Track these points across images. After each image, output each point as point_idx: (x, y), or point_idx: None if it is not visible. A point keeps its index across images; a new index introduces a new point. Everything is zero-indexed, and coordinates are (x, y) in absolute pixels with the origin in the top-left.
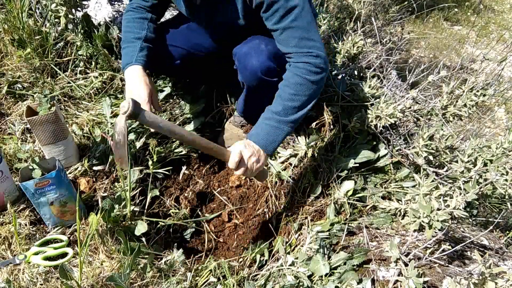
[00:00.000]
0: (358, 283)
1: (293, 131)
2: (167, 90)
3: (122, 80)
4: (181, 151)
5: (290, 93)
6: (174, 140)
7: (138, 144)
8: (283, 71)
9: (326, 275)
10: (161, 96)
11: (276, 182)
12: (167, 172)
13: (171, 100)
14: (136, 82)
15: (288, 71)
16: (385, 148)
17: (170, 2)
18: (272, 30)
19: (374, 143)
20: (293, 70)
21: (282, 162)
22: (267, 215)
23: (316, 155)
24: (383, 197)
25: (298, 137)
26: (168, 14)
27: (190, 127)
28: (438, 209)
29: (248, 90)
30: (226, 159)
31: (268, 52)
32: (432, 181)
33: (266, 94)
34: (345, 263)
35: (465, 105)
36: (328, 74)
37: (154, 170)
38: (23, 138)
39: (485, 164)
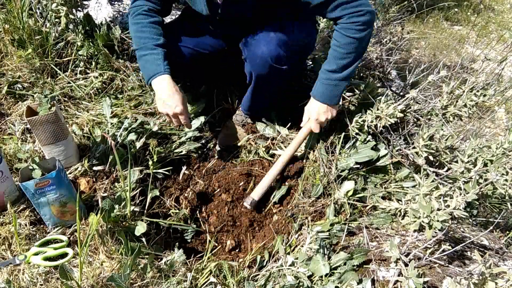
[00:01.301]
0: (358, 283)
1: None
2: None
3: (122, 80)
4: (181, 151)
5: (343, 53)
6: (174, 140)
7: (138, 144)
8: (292, 58)
9: (326, 275)
10: None
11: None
12: (167, 172)
13: None
14: (170, 92)
15: (337, 31)
16: (385, 148)
17: (173, 3)
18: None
19: (374, 143)
20: (342, 31)
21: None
22: (266, 215)
23: (316, 155)
24: (383, 197)
25: None
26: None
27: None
28: (438, 209)
29: (257, 81)
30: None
31: (277, 39)
32: (432, 181)
33: (274, 84)
34: (345, 263)
35: (465, 105)
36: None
37: (154, 170)
38: (23, 138)
39: (485, 164)
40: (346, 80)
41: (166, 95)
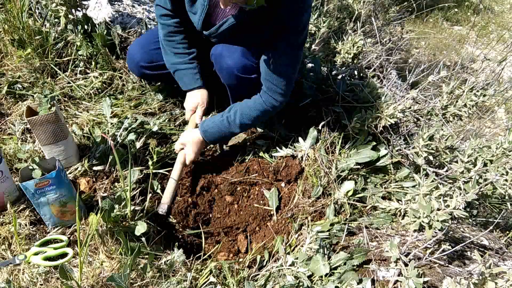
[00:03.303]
0: (358, 283)
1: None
2: (167, 90)
3: (122, 80)
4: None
5: (252, 116)
6: (174, 140)
7: (138, 144)
8: (259, 66)
9: (326, 275)
10: (160, 96)
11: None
12: (166, 172)
13: (171, 100)
14: (196, 100)
15: (261, 96)
16: (385, 148)
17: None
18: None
19: (374, 143)
20: (263, 98)
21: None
22: (267, 215)
23: (316, 155)
24: (383, 197)
25: (299, 137)
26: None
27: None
28: (438, 209)
29: (230, 90)
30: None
31: (241, 50)
32: (432, 181)
33: (249, 90)
34: (345, 263)
35: (465, 105)
36: (328, 74)
37: (154, 170)
38: (23, 138)
39: (485, 164)
40: (235, 133)
41: (196, 101)
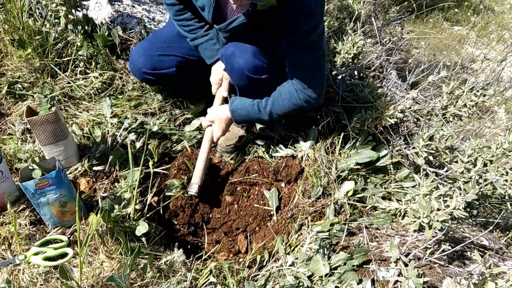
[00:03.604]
0: (358, 283)
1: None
2: (167, 90)
3: (122, 80)
4: (180, 149)
5: (283, 104)
6: (173, 140)
7: (138, 144)
8: (270, 66)
9: (326, 275)
10: (160, 96)
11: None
12: (166, 172)
13: (171, 100)
14: (221, 73)
15: (291, 85)
16: (385, 149)
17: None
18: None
19: (374, 143)
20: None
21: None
22: (267, 215)
23: (316, 155)
24: (383, 198)
25: (299, 137)
26: (158, 15)
27: (190, 127)
28: (438, 209)
29: (240, 91)
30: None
31: (252, 50)
32: (432, 181)
33: (258, 91)
34: (345, 263)
35: (465, 105)
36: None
37: (154, 170)
38: (23, 138)
39: (485, 165)
40: (267, 119)
41: (214, 74)
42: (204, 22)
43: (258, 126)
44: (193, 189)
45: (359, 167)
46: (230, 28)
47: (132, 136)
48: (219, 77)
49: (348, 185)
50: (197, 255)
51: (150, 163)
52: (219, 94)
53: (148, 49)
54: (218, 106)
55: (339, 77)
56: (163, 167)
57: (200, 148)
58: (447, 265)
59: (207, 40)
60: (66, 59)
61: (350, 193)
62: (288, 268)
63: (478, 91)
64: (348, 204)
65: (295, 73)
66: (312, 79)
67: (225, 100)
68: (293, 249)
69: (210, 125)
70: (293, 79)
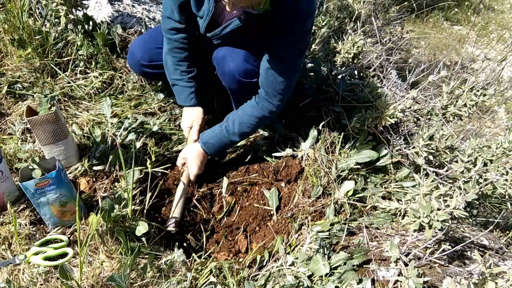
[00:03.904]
0: (358, 283)
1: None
2: (167, 90)
3: (122, 80)
4: (180, 149)
5: (250, 123)
6: (173, 139)
7: (138, 144)
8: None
9: (326, 275)
10: (161, 96)
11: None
12: (166, 171)
13: (171, 100)
14: (192, 117)
15: (255, 101)
16: (385, 148)
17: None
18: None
19: (374, 143)
20: (260, 105)
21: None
22: (267, 215)
23: (316, 155)
24: (383, 197)
25: (299, 137)
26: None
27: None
28: (438, 209)
29: (232, 94)
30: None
31: (243, 54)
32: (432, 181)
33: (250, 94)
34: (345, 263)
35: (465, 105)
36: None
37: (152, 170)
38: (23, 138)
39: (485, 164)
40: (235, 143)
41: (191, 118)
42: (193, 67)
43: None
44: (171, 223)
45: (359, 166)
46: (224, 33)
47: (132, 136)
48: (189, 122)
49: (348, 185)
50: (197, 255)
51: (148, 163)
52: (190, 137)
53: (147, 42)
54: (190, 144)
55: (339, 76)
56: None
57: (178, 187)
58: (447, 264)
59: (187, 87)
60: (66, 58)
61: (350, 193)
62: (288, 268)
63: (478, 90)
64: (348, 203)
65: (270, 81)
66: (284, 89)
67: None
68: (293, 249)
69: (185, 164)
70: (264, 87)
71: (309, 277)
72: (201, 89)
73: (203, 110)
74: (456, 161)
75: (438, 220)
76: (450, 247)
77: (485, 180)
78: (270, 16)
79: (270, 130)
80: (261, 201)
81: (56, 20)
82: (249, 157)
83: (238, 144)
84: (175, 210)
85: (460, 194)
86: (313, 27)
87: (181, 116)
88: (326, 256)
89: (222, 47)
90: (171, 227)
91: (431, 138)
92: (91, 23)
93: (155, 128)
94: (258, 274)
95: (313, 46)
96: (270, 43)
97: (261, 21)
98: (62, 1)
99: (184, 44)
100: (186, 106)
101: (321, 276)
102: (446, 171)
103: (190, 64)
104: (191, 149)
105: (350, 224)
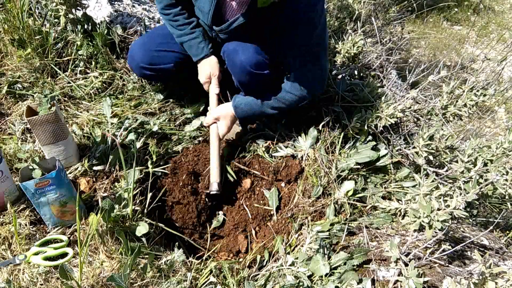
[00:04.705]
0: (358, 283)
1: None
2: (167, 90)
3: (122, 80)
4: (179, 149)
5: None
6: (173, 139)
7: (138, 144)
8: (271, 62)
9: (326, 275)
10: (161, 96)
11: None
12: (166, 171)
13: (171, 100)
14: (208, 70)
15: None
16: (385, 148)
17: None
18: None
19: (374, 143)
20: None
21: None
22: (267, 215)
23: (316, 155)
24: (383, 197)
25: (299, 137)
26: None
27: (190, 127)
28: (438, 209)
29: (242, 87)
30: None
31: (254, 46)
32: (432, 181)
33: (261, 86)
34: (345, 263)
35: (465, 105)
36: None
37: (153, 170)
38: (23, 138)
39: (485, 164)
40: (270, 114)
41: (210, 69)
42: (193, 17)
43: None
44: (214, 187)
45: (359, 166)
46: (231, 28)
47: (132, 136)
48: (206, 75)
49: (348, 185)
50: (197, 255)
51: (149, 163)
52: (212, 92)
53: (147, 44)
54: (219, 104)
55: (339, 76)
56: (163, 167)
57: (210, 147)
58: (447, 264)
59: (193, 38)
60: (66, 58)
61: (350, 193)
62: (288, 268)
63: (478, 90)
64: (348, 203)
65: (298, 69)
66: (315, 72)
67: (219, 97)
68: (293, 249)
69: (214, 123)
70: (296, 74)
71: (309, 277)
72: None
73: (216, 59)
74: (456, 161)
75: (438, 220)
76: (450, 247)
77: (485, 180)
78: (278, 8)
79: (270, 130)
80: (261, 201)
81: (56, 20)
82: (249, 157)
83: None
84: (215, 173)
85: (460, 194)
86: None
87: (181, 115)
88: (326, 256)
89: (231, 42)
90: (214, 190)
91: (431, 138)
92: (90, 23)
93: (155, 128)
94: (258, 274)
95: None
96: (287, 38)
97: (269, 14)
98: (62, 1)
99: (173, 1)
100: (201, 60)
101: (321, 276)
102: (446, 171)
103: (187, 15)
104: (223, 109)
105: (350, 224)
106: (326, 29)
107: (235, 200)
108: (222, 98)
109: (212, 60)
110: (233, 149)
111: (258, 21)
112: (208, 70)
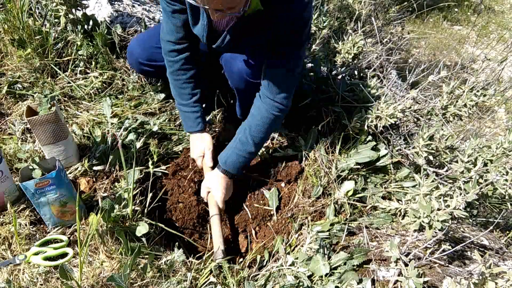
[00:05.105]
0: (358, 283)
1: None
2: (167, 90)
3: (122, 80)
4: (179, 149)
5: (262, 127)
6: (173, 139)
7: (138, 144)
8: None
9: (326, 275)
10: (161, 96)
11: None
12: (166, 172)
13: (171, 100)
14: (202, 145)
15: (261, 103)
16: (385, 148)
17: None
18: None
19: (374, 143)
20: (266, 107)
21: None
22: (267, 215)
23: (316, 155)
24: (383, 197)
25: (299, 137)
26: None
27: None
28: (438, 209)
29: (238, 93)
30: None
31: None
32: (432, 181)
33: (256, 94)
34: (345, 263)
35: (465, 105)
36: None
37: (153, 170)
38: (23, 138)
39: (485, 164)
40: (254, 155)
41: (200, 146)
42: (197, 89)
43: None
44: (219, 255)
45: (359, 167)
46: (225, 44)
47: (132, 136)
48: (200, 150)
49: (348, 185)
50: (197, 255)
51: (150, 163)
52: (206, 165)
53: (146, 40)
54: (208, 173)
55: (339, 77)
56: (163, 167)
57: (211, 220)
58: (447, 265)
59: (193, 112)
60: (66, 59)
61: (350, 193)
62: (288, 268)
63: (478, 91)
64: (348, 204)
65: (274, 79)
66: (289, 84)
67: (213, 170)
68: (293, 249)
69: (209, 192)
70: (268, 86)
71: (309, 277)
72: (206, 102)
73: (210, 136)
74: (456, 161)
75: (438, 220)
76: (450, 247)
77: (485, 180)
78: (264, 15)
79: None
80: (261, 201)
81: (56, 20)
82: None
83: None
84: (217, 241)
85: (460, 194)
86: (314, 27)
87: None
88: (326, 256)
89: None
90: (219, 258)
91: (431, 138)
92: (91, 23)
93: (155, 128)
94: (258, 274)
95: (313, 46)
96: (271, 41)
97: (257, 22)
98: (62, 1)
99: (186, 65)
100: (193, 133)
101: (321, 276)
102: (446, 171)
103: (194, 85)
104: (212, 176)
105: (350, 224)
106: (307, 41)
107: (235, 200)
108: (223, 99)
109: (205, 137)
110: None
111: (247, 31)
112: (201, 145)
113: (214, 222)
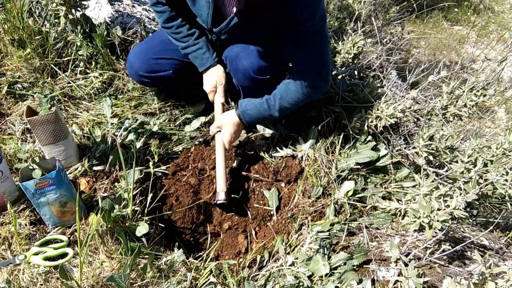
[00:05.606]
0: (358, 283)
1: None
2: (167, 91)
3: (122, 80)
4: (179, 149)
5: (292, 98)
6: (173, 139)
7: (138, 144)
8: (274, 67)
9: (326, 275)
10: (161, 97)
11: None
12: (166, 172)
13: (171, 100)
14: (214, 80)
15: (298, 76)
16: (385, 148)
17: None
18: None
19: (374, 143)
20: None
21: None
22: (267, 215)
23: (316, 155)
24: (383, 197)
25: (299, 137)
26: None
27: (190, 127)
28: (438, 209)
29: (243, 91)
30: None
31: (257, 51)
32: (432, 181)
33: (262, 91)
34: (345, 263)
35: (465, 105)
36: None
37: (154, 170)
38: (23, 138)
39: (485, 165)
40: (276, 118)
41: (216, 79)
42: (194, 28)
43: (258, 126)
44: (221, 196)
45: (359, 167)
46: (230, 27)
47: (132, 136)
48: (212, 84)
49: (348, 185)
50: (197, 255)
51: (151, 163)
52: (217, 101)
53: (145, 52)
54: (223, 112)
55: (339, 77)
56: (163, 167)
57: (216, 156)
58: (447, 265)
59: (197, 49)
60: (66, 59)
61: (350, 193)
62: (288, 268)
63: (478, 91)
64: (348, 204)
65: (300, 65)
66: (322, 63)
67: (223, 106)
68: (293, 249)
69: (219, 131)
70: (298, 71)
71: (309, 277)
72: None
73: (222, 68)
74: (456, 162)
75: (438, 220)
76: (450, 247)
77: (485, 180)
78: (274, 2)
79: (270, 130)
80: (261, 201)
81: (56, 20)
82: (249, 156)
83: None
84: (221, 182)
85: (460, 194)
86: None
87: (181, 116)
88: (326, 256)
89: (234, 45)
90: (220, 200)
91: (431, 138)
92: (89, 24)
93: (155, 128)
94: (258, 274)
95: None
96: (282, 27)
97: (265, 8)
98: (62, 2)
99: (172, 12)
100: (207, 70)
101: (321, 276)
102: (446, 171)
103: (188, 26)
104: (227, 116)
105: (350, 224)
106: (326, 24)
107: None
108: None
109: (219, 70)
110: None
111: (256, 17)
112: (213, 79)
113: (219, 163)
